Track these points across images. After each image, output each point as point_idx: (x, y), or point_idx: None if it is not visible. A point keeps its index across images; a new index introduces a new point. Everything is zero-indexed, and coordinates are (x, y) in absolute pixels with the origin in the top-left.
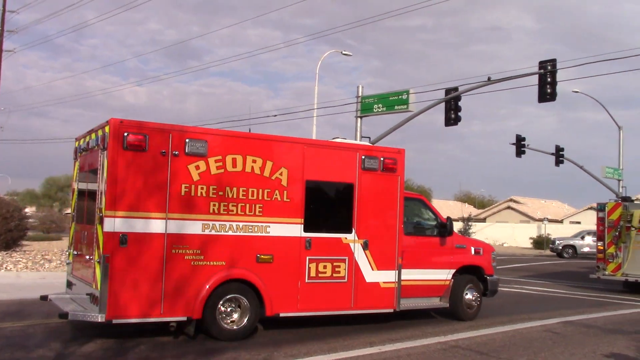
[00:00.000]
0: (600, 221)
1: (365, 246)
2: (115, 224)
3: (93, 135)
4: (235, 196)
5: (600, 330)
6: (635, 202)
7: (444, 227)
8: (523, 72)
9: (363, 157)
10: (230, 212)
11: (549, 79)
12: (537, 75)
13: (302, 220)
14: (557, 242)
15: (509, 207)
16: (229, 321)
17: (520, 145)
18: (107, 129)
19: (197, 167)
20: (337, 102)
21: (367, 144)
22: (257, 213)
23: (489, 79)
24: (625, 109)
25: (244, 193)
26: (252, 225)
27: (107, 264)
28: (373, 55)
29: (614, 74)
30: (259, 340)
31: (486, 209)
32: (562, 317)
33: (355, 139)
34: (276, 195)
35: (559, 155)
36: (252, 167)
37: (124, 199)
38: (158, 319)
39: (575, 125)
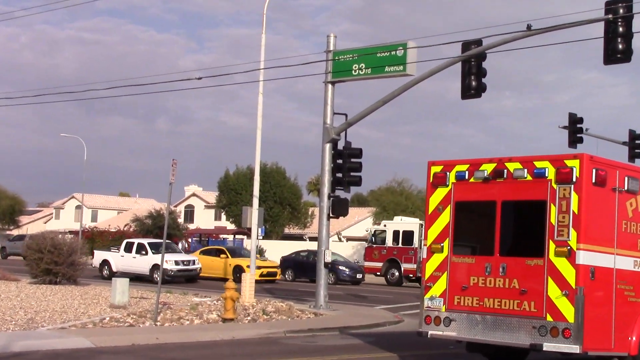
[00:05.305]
0: None
1: None
2: (585, 257)
3: (517, 165)
4: None
5: None
6: None
7: None
8: (579, 20)
9: None
10: None
11: (620, 29)
12: (602, 23)
13: None
14: None
15: None
16: None
17: (575, 130)
18: (575, 162)
19: (631, 204)
20: (295, 60)
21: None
22: None
23: (528, 27)
24: None
25: None
26: None
27: (583, 296)
28: None
29: None
30: None
31: None
32: None
33: (325, 115)
34: None
35: (635, 146)
36: None
37: (589, 232)
38: (610, 353)
39: None
